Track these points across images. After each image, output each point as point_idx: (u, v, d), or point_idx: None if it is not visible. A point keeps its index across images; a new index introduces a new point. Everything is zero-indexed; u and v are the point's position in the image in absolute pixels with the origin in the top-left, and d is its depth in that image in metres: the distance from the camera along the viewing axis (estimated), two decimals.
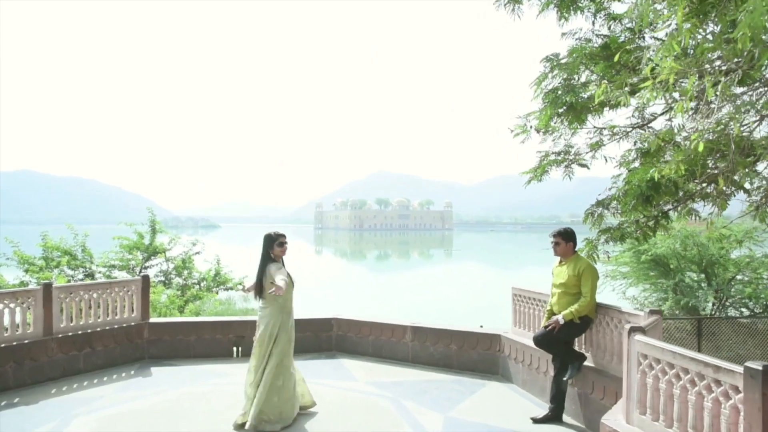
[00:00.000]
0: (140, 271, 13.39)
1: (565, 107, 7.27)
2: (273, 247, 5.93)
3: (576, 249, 6.16)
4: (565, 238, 6.04)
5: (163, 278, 13.92)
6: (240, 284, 14.93)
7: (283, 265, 6.02)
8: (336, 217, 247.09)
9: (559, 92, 6.96)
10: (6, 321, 7.20)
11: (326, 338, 9.08)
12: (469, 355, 8.00)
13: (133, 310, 8.56)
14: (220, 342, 8.77)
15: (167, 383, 7.38)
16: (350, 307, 22.66)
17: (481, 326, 8.77)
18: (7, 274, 12.44)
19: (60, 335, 7.59)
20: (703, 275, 13.57)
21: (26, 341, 7.25)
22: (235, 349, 8.82)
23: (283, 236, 6.04)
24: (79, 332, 7.80)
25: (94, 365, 7.89)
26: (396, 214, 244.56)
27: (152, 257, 13.62)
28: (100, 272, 12.92)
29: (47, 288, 7.50)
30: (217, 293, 14.68)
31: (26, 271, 12.09)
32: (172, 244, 14.27)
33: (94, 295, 8.08)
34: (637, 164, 8.00)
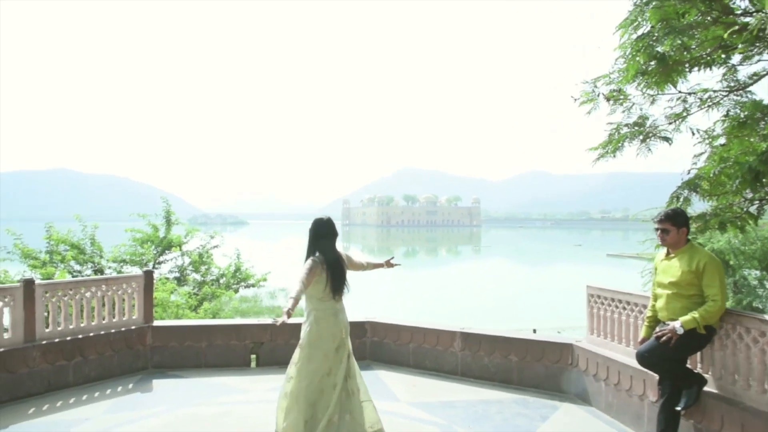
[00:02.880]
0: (153, 267, 12.22)
1: (654, 61, 5.79)
2: None
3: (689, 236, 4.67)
4: (676, 223, 4.55)
5: (178, 274, 12.76)
6: (263, 279, 13.69)
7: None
8: (363, 214, 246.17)
9: (656, 35, 5.49)
10: None
11: (359, 345, 7.72)
12: (533, 368, 6.56)
13: (134, 312, 7.33)
14: (235, 349, 7.49)
15: (169, 401, 6.11)
16: (381, 307, 21.34)
17: (559, 332, 7.31)
18: (12, 269, 11.42)
19: (44, 342, 6.37)
20: (765, 273, 12.34)
21: (2, 349, 6.05)
22: (252, 357, 7.54)
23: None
24: (68, 338, 6.57)
25: (86, 378, 6.67)
26: (423, 210, 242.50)
27: (166, 251, 12.47)
28: (110, 267, 11.82)
29: (28, 285, 6.28)
30: (236, 291, 13.46)
31: (31, 266, 11.04)
32: (188, 237, 13.11)
33: (87, 294, 6.86)
34: (722, 140, 6.56)
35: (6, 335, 6.18)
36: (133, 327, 7.19)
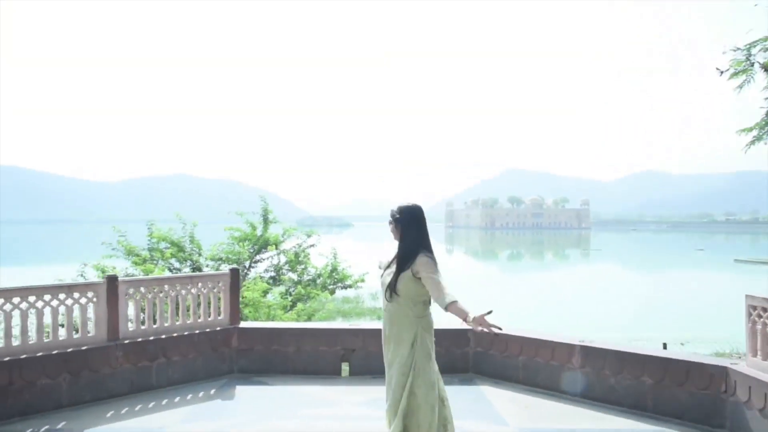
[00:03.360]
0: (249, 265, 12.02)
1: None
2: None
3: None
4: None
5: (274, 273, 12.52)
6: (360, 281, 13.11)
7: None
8: (467, 216, 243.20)
9: None
10: (61, 322, 5.79)
11: (461, 356, 6.87)
12: (674, 394, 5.38)
13: (219, 312, 6.92)
14: (325, 356, 6.87)
15: (250, 411, 5.58)
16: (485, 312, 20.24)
17: (683, 344, 6.05)
18: (119, 264, 11.64)
19: (127, 341, 6.07)
20: None
21: (85, 347, 5.80)
22: (343, 366, 6.90)
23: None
24: (151, 338, 6.25)
25: (169, 380, 6.31)
26: (529, 212, 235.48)
27: (263, 250, 12.25)
28: (208, 265, 11.74)
29: (112, 282, 6.00)
30: (332, 292, 13.00)
31: (134, 263, 11.17)
32: (285, 236, 12.84)
33: (172, 293, 6.52)
34: None
35: (89, 333, 5.93)
36: (218, 328, 6.78)
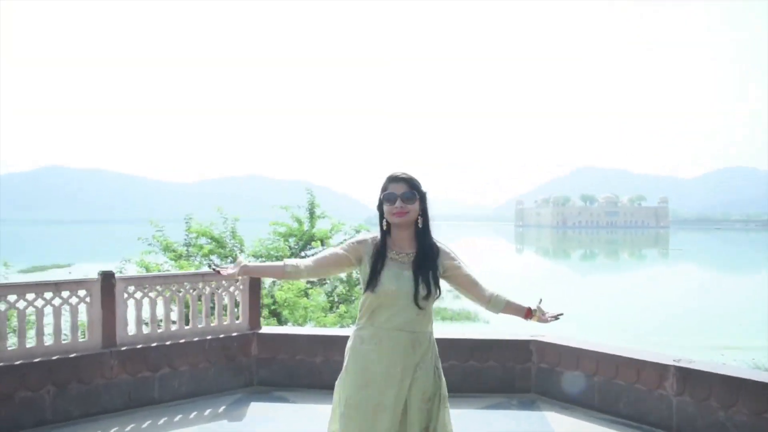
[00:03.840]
0: None
1: None
2: (381, 204, 2.85)
3: None
4: None
5: None
6: None
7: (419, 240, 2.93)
8: (537, 215, 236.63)
9: None
10: (47, 323, 5.00)
11: (521, 373, 5.66)
12: None
13: (237, 315, 6.00)
14: None
15: None
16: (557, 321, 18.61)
17: None
18: (161, 260, 11.06)
19: (125, 347, 5.23)
20: None
21: (74, 355, 4.98)
22: None
23: (394, 177, 2.84)
24: (154, 344, 5.38)
25: (174, 393, 5.43)
26: (603, 210, 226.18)
27: (308, 246, 11.35)
28: (249, 261, 10.93)
29: (107, 279, 5.17)
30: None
31: (170, 258, 10.55)
32: (333, 232, 11.90)
33: (180, 292, 5.65)
34: None
35: (81, 338, 5.13)
36: (234, 334, 5.84)
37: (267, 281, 9.91)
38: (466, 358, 5.71)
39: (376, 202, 2.83)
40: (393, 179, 2.79)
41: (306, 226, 11.85)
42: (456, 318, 24.04)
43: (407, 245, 2.81)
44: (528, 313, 2.94)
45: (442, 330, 6.18)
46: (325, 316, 8.94)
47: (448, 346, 5.73)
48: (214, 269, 2.99)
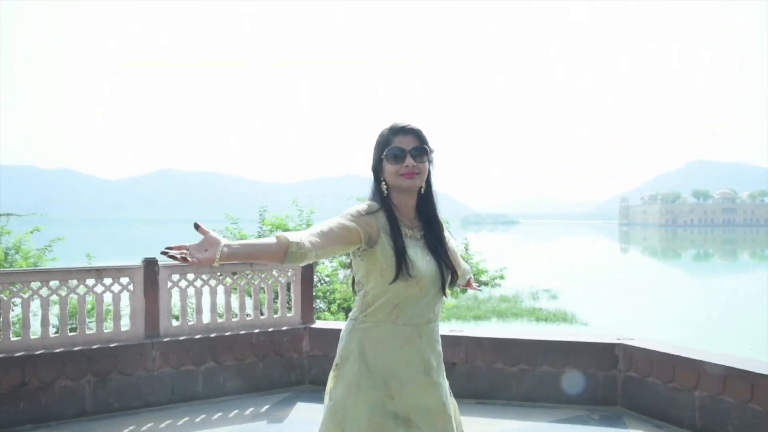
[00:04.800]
0: None
1: None
2: (381, 162, 2.15)
3: None
4: None
5: None
6: (500, 277, 11.21)
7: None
8: (644, 212, 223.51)
9: None
10: (89, 311, 4.85)
11: (604, 382, 4.85)
12: None
13: (289, 308, 5.61)
14: None
15: None
16: (637, 322, 16.98)
17: None
18: None
19: (167, 339, 4.98)
20: None
21: (115, 344, 4.79)
22: None
23: (400, 128, 2.15)
24: (198, 336, 5.09)
25: (218, 390, 5.12)
26: (718, 207, 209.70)
27: None
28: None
29: (150, 266, 4.94)
30: (463, 290, 11.23)
31: None
32: None
33: (227, 282, 5.34)
34: None
35: (124, 327, 4.93)
36: (284, 328, 5.46)
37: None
38: (540, 361, 4.98)
39: (371, 161, 2.18)
40: (399, 130, 2.11)
41: None
42: (551, 319, 22.59)
43: (413, 217, 2.20)
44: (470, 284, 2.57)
45: (513, 329, 5.50)
46: None
47: (517, 347, 5.06)
48: (171, 256, 1.69)
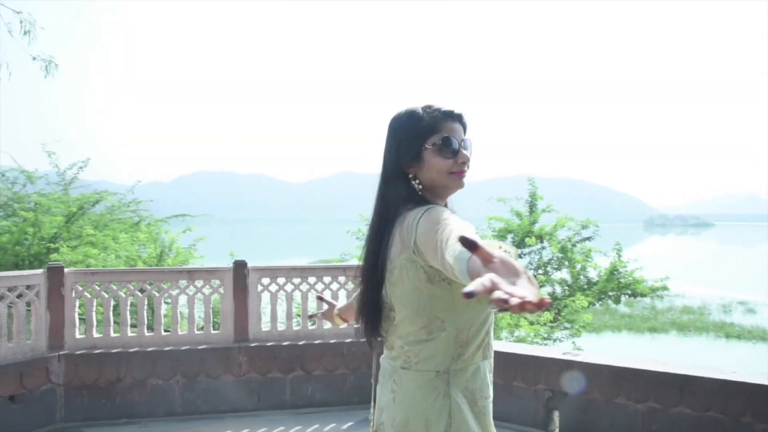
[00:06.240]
0: None
1: None
2: (422, 154, 1.56)
3: None
4: None
5: (542, 272, 10.06)
6: (660, 288, 9.75)
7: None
8: None
9: None
10: (181, 312, 4.88)
11: None
12: None
13: None
14: (521, 396, 4.53)
15: None
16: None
17: None
18: None
19: (255, 344, 4.85)
20: None
21: (203, 347, 4.76)
22: (554, 416, 4.44)
23: (453, 113, 1.58)
24: (286, 343, 4.90)
25: (306, 400, 4.87)
26: None
27: (522, 243, 9.94)
28: None
29: (239, 268, 4.85)
30: (617, 300, 9.88)
31: None
32: (557, 228, 10.28)
33: (319, 286, 5.08)
34: None
35: (214, 330, 4.89)
36: (380, 339, 5.06)
37: None
38: (675, 400, 4.00)
39: (395, 149, 1.58)
40: (450, 115, 1.57)
41: (524, 221, 10.51)
42: (745, 336, 19.38)
43: None
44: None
45: (637, 358, 4.54)
46: (531, 324, 7.51)
47: (645, 380, 4.13)
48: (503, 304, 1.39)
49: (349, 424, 4.57)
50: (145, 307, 4.79)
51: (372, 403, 1.77)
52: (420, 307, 1.48)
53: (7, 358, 4.31)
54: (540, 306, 0.92)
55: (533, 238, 9.68)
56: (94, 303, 4.72)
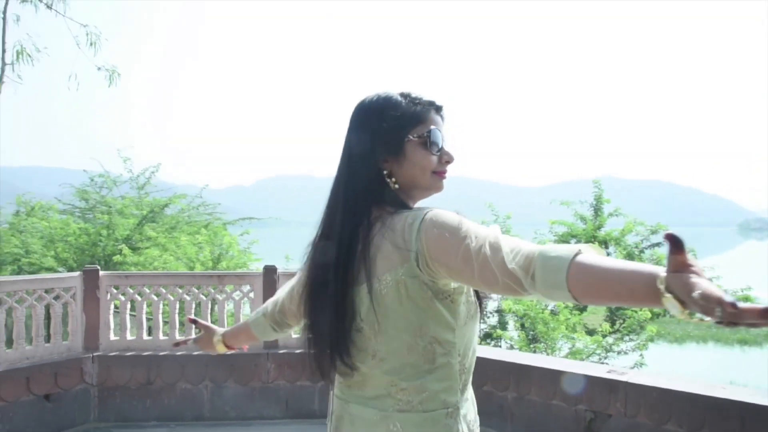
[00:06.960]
0: None
1: None
2: (403, 147, 1.29)
3: None
4: None
5: None
6: (742, 299, 8.93)
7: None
8: None
9: None
10: (212, 317, 4.85)
11: None
12: None
13: None
14: (560, 414, 4.18)
15: None
16: None
17: None
18: None
19: (284, 351, 4.76)
20: None
21: (232, 353, 4.70)
22: None
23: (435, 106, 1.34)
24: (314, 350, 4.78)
25: None
26: None
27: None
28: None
29: (269, 274, 4.77)
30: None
31: None
32: (625, 233, 9.63)
33: None
34: None
35: None
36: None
37: None
38: (731, 428, 3.55)
39: (368, 140, 1.29)
40: (434, 106, 1.35)
41: (589, 225, 9.94)
42: None
43: None
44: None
45: (698, 381, 4.06)
46: (583, 335, 7.00)
47: (696, 405, 3.69)
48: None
49: None
50: (177, 310, 4.81)
51: None
52: (421, 332, 1.23)
53: (43, 358, 4.43)
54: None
55: (598, 244, 9.10)
56: (128, 306, 4.78)
